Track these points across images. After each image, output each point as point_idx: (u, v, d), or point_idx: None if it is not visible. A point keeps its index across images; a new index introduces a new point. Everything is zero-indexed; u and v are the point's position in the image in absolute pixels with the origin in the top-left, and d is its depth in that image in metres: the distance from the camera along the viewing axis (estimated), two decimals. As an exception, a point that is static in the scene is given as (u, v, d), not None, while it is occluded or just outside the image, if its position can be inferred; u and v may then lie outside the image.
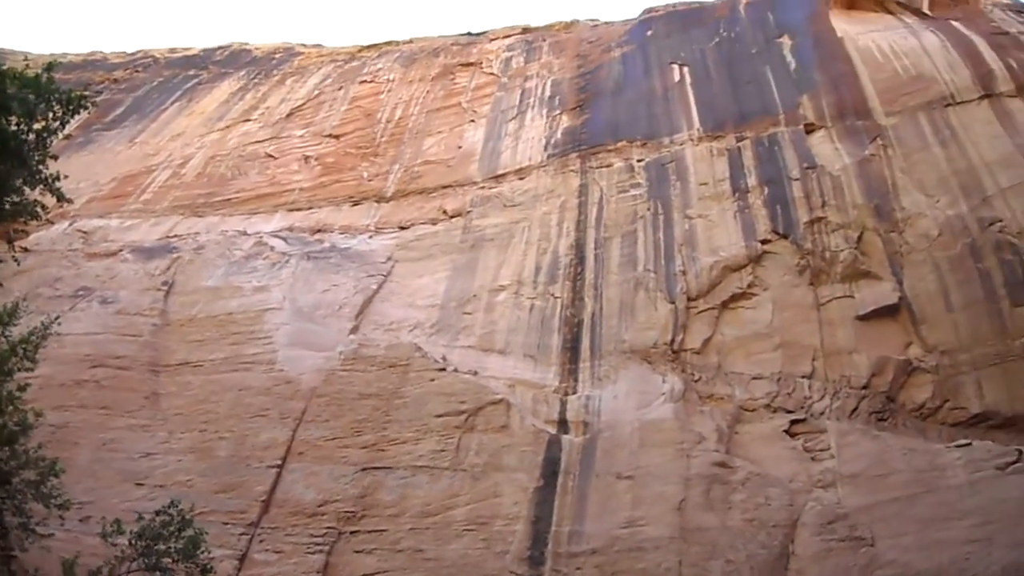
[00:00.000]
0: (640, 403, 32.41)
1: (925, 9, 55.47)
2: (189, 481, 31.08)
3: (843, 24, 52.55)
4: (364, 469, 30.53)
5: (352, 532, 28.79)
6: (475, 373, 34.05)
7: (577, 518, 28.57)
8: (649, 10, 59.17)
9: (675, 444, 30.53)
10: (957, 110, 45.59)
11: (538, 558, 27.45)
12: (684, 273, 37.07)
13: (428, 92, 55.90)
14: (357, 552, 28.19)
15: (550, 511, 28.90)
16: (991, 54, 49.47)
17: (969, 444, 31.39)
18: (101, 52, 75.36)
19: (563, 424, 32.17)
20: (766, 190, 40.33)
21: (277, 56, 68.10)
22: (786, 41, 50.29)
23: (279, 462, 31.27)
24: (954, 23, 53.26)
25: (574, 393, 33.53)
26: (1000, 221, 39.23)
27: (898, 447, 31.06)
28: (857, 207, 39.72)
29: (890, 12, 55.69)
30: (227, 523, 29.37)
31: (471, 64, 58.26)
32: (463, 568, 27.30)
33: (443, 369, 34.03)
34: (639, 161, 43.39)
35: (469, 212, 43.07)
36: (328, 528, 28.98)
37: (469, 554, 27.67)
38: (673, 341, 34.88)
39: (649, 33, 54.86)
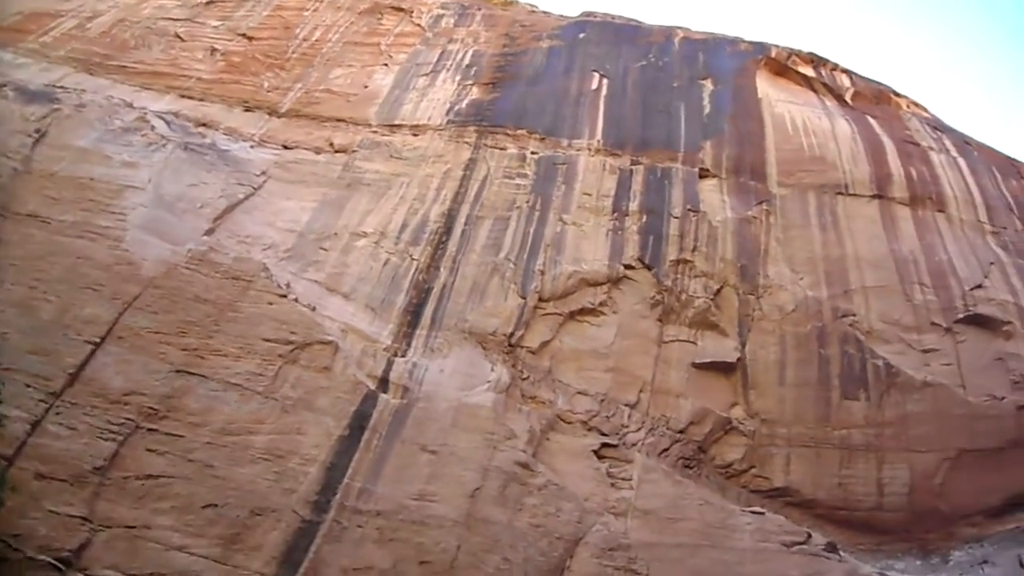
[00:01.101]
0: (464, 384, 32.38)
1: (847, 98, 56.51)
2: (5, 334, 29.94)
3: (766, 87, 53.14)
4: (179, 371, 29.75)
5: (149, 430, 28.01)
6: (313, 309, 33.57)
7: (372, 477, 28.33)
8: (588, 13, 59.05)
9: (485, 433, 30.58)
10: (847, 200, 46.49)
11: (324, 505, 27.14)
12: (543, 273, 37.25)
13: (352, 24, 54.84)
14: (149, 451, 27.44)
15: (348, 463, 28.61)
16: (896, 159, 50.58)
17: (763, 514, 32.15)
18: None
19: (384, 383, 31.87)
20: (644, 218, 40.71)
21: (216, -59, 66.52)
22: (708, 85, 50.62)
23: (98, 340, 30.30)
24: (870, 119, 54.26)
25: (403, 356, 33.30)
26: (854, 315, 40.23)
27: (696, 497, 31.59)
28: (725, 261, 40.39)
29: (814, 90, 56.54)
30: (30, 386, 28.27)
31: (402, 10, 57.29)
32: (248, 495, 26.82)
33: (284, 296, 33.45)
34: (533, 154, 43.27)
35: (355, 152, 42.32)
36: (127, 419, 28.14)
37: (258, 483, 27.21)
38: (513, 335, 35.08)
39: (581, 35, 54.64)
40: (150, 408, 28.21)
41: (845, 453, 37.64)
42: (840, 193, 46.94)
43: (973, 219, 50.16)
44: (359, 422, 29.85)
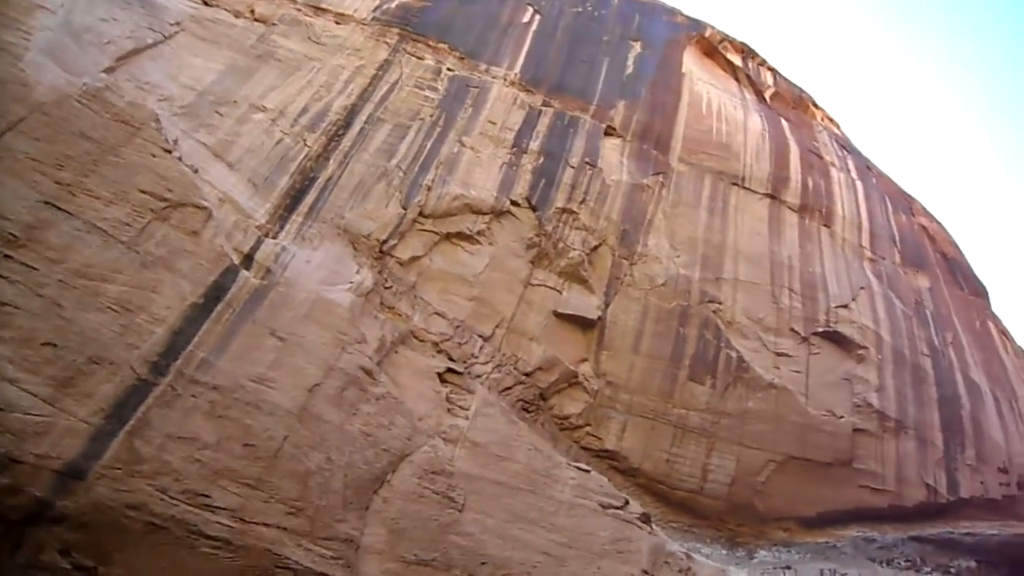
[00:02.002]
0: (327, 279, 31.89)
1: (767, 95, 57.13)
2: None
3: (692, 64, 53.43)
4: (47, 203, 28.70)
5: (6, 256, 27.05)
6: (195, 171, 32.73)
7: (216, 351, 27.69)
8: (536, -53, 58.65)
9: (337, 331, 30.25)
10: (741, 193, 47.15)
11: (162, 368, 26.49)
12: (429, 189, 36.93)
13: (297, -102, 53.67)
14: (1, 277, 26.82)
15: (195, 331, 27.92)
16: (797, 166, 51.43)
17: (588, 472, 32.47)
18: None
19: (249, 260, 31.13)
20: (541, 160, 40.68)
21: None
22: (636, 47, 50.55)
23: (-26, 155, 29.52)
24: (783, 121, 54.94)
25: (274, 238, 32.56)
26: (719, 303, 40.96)
27: (527, 441, 31.73)
28: (609, 221, 40.81)
29: (737, 79, 57.05)
30: None
31: None
32: (89, 341, 26.09)
33: (169, 151, 32.53)
34: (449, 71, 42.58)
35: (274, 25, 40.89)
36: (-14, 240, 27.51)
37: (102, 332, 26.49)
38: (386, 242, 34.77)
39: (525, -33, 54.17)
40: (11, 234, 27.32)
41: (679, 432, 38.46)
42: (736, 184, 47.61)
43: (856, 242, 51.34)
44: (216, 293, 29.12)
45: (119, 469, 23.60)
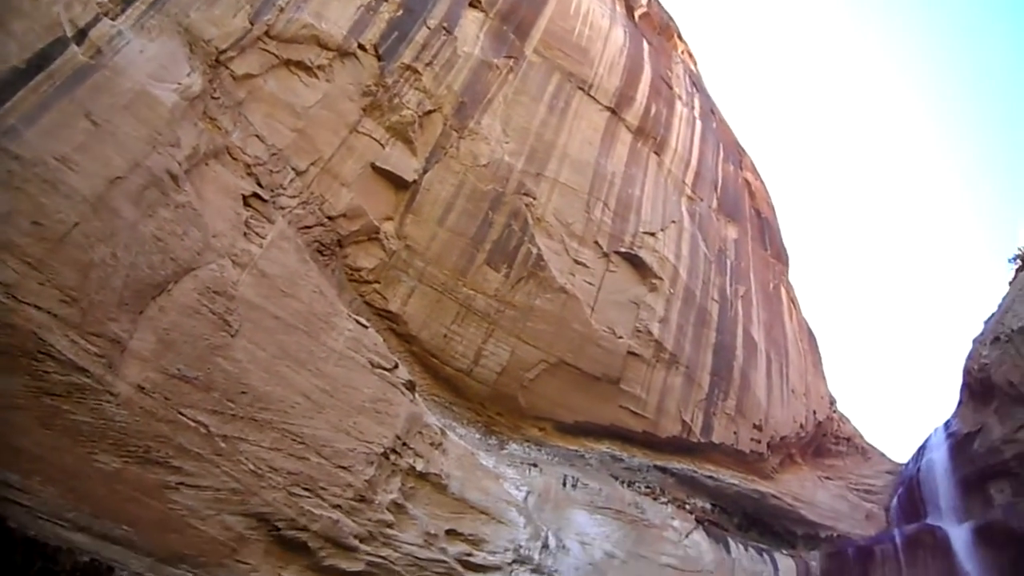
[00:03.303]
0: (156, 75, 30.40)
1: (636, 14, 57.49)
2: None
3: (575, -40, 53.28)
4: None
5: None
6: (54, -59, 31.36)
7: (26, 121, 25.59)
8: None
9: (153, 128, 29.11)
10: (584, 99, 47.64)
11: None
12: (281, 11, 35.36)
13: None
14: None
15: (9, 97, 25.03)
16: (646, 90, 52.14)
17: (366, 328, 32.80)
18: None
19: (82, 35, 29.42)
20: (400, 13, 39.58)
21: None
22: (521, -71, 49.88)
23: None
24: (645, 43, 55.50)
25: (113, 19, 30.95)
26: (534, 199, 41.54)
27: (315, 283, 31.73)
28: (450, 90, 40.70)
29: (615, -10, 57.01)
30: None
31: None
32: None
33: (31, -84, 31.12)
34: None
35: None
36: None
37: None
38: (224, 52, 33.43)
39: None
40: None
41: (463, 311, 39.19)
42: (582, 89, 48.03)
43: (680, 177, 52.60)
44: (40, 61, 27.53)
45: None
